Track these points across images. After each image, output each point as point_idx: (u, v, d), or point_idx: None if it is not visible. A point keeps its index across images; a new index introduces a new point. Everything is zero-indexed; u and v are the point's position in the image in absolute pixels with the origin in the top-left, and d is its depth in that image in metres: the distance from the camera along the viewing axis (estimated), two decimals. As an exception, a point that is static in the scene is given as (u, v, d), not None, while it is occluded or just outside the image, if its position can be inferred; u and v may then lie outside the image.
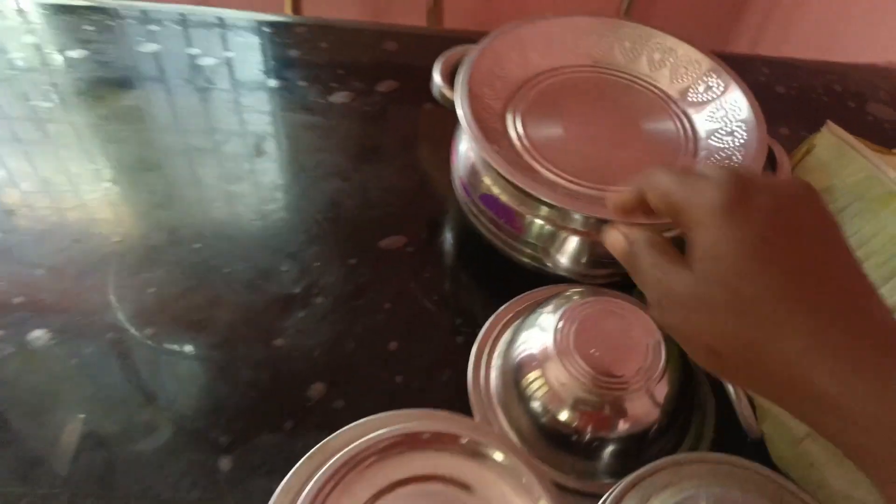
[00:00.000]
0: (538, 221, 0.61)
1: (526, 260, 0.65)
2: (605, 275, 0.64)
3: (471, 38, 0.72)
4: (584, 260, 0.63)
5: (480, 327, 0.63)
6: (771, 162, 0.66)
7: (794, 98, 0.94)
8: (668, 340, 0.54)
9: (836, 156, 0.68)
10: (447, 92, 0.68)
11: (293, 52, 0.93)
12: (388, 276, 0.69)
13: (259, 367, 0.62)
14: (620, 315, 0.55)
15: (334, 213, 0.74)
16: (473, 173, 0.65)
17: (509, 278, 0.68)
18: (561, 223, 0.61)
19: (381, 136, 0.83)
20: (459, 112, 0.63)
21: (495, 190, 0.63)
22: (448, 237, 0.73)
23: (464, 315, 0.67)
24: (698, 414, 0.56)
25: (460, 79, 0.66)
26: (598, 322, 0.54)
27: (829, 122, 0.72)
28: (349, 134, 0.83)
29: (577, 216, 0.59)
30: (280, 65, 0.91)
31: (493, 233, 0.66)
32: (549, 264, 0.64)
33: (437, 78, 0.69)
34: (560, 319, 0.55)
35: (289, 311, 0.66)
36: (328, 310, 0.66)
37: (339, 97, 0.87)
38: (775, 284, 0.32)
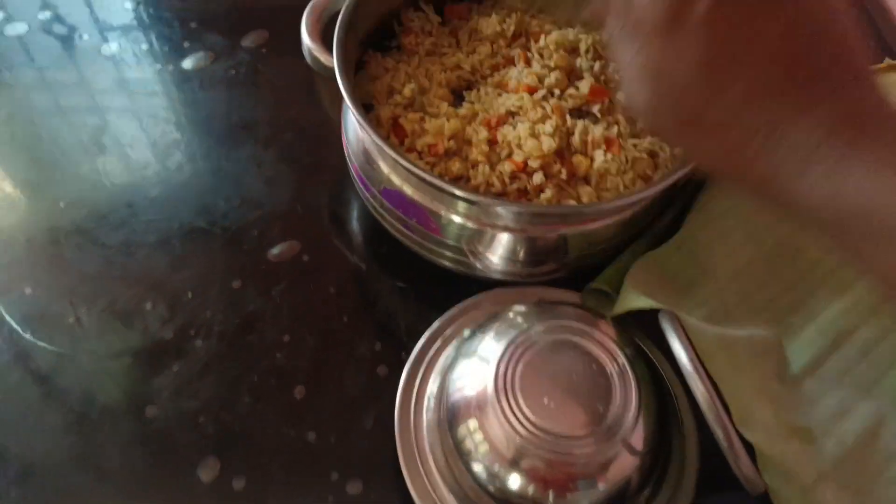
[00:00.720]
0: (457, 220, 0.48)
1: (448, 264, 0.52)
2: (548, 271, 0.52)
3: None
4: (520, 258, 0.50)
5: (407, 351, 0.50)
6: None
7: None
8: (635, 361, 0.43)
9: None
10: (322, 56, 0.52)
11: (130, 4, 0.73)
12: (283, 298, 0.55)
13: (129, 448, 0.48)
14: (576, 340, 0.43)
15: (206, 221, 0.59)
16: (369, 161, 0.51)
17: (436, 285, 0.55)
18: (486, 220, 0.47)
19: (254, 109, 0.66)
20: (341, 85, 0.47)
21: (396, 181, 0.49)
22: (353, 238, 0.59)
23: (384, 338, 0.54)
24: (677, 441, 0.46)
25: (338, 36, 0.50)
26: (551, 356, 0.43)
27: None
28: (213, 109, 0.66)
29: (504, 211, 0.46)
30: (115, 23, 0.71)
31: (403, 234, 0.52)
32: (478, 267, 0.51)
33: (306, 37, 0.52)
34: (502, 356, 0.43)
35: (160, 365, 0.52)
36: (212, 355, 0.52)
37: (194, 60, 0.69)
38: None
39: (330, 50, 0.50)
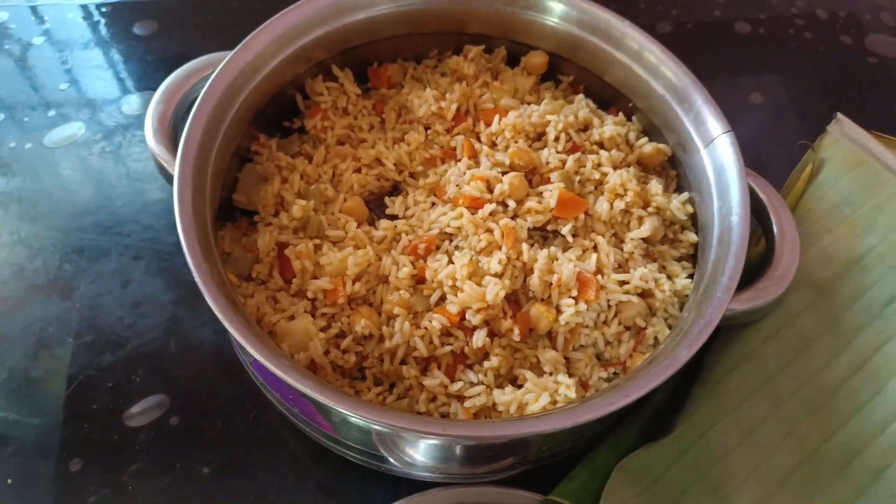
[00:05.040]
0: (356, 421, 0.32)
1: (356, 461, 0.37)
2: (501, 468, 0.36)
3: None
4: (457, 458, 0.35)
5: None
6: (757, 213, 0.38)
7: (764, 38, 0.64)
8: None
9: (857, 175, 0.40)
10: (168, 165, 0.36)
11: (-14, 59, 0.57)
12: (138, 484, 0.40)
13: None
14: None
15: (44, 368, 0.44)
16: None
17: (345, 475, 0.40)
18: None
19: (128, 202, 0.51)
20: (179, 225, 0.32)
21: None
22: (242, 396, 0.44)
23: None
24: None
25: (185, 145, 0.34)
26: None
27: (840, 117, 0.44)
28: (74, 202, 0.50)
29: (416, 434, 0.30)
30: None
31: (290, 419, 0.37)
32: (397, 465, 0.36)
33: (150, 138, 0.37)
34: None
35: None
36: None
37: (58, 134, 0.53)
38: None
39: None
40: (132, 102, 0.55)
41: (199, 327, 0.46)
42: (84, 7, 0.60)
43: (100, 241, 0.48)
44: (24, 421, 0.42)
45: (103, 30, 0.59)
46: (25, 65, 0.57)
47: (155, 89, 0.55)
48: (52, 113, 0.54)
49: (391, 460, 0.36)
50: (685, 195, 0.41)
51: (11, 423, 0.42)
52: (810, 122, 0.58)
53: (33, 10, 0.60)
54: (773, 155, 0.55)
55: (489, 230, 0.37)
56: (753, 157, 0.52)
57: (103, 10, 0.60)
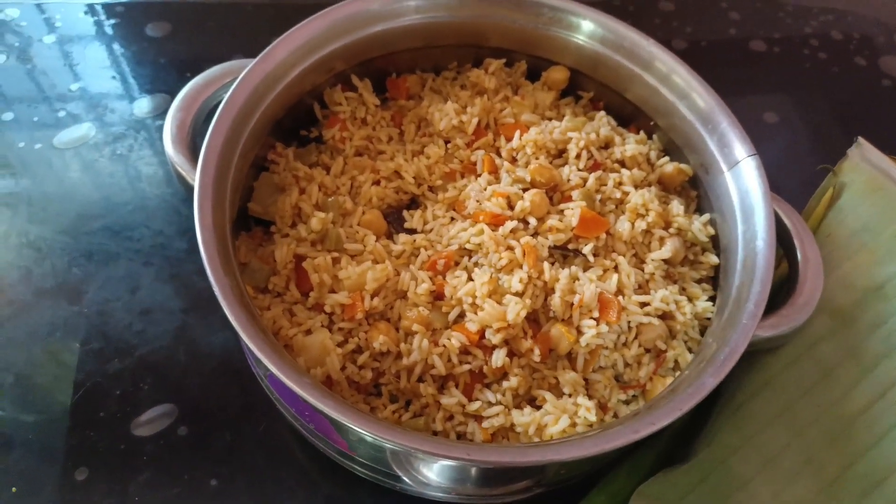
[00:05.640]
0: (369, 439, 0.32)
1: (366, 479, 0.36)
2: (518, 490, 0.36)
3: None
4: (473, 480, 0.34)
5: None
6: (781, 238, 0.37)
7: (779, 58, 0.64)
8: None
9: (876, 200, 0.40)
10: (187, 174, 0.36)
11: (-4, 55, 0.57)
12: (145, 496, 0.40)
13: None
14: None
15: (51, 374, 0.43)
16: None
17: (355, 491, 0.39)
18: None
19: (138, 206, 0.50)
20: (200, 241, 0.32)
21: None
22: (252, 406, 0.43)
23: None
24: None
25: (206, 156, 0.34)
26: None
27: (860, 141, 0.43)
28: (83, 204, 0.50)
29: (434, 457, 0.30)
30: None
31: (304, 434, 0.36)
32: (411, 485, 0.35)
33: (169, 146, 0.36)
34: None
35: None
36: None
37: (68, 135, 0.53)
38: None
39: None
40: (143, 105, 0.54)
41: (208, 336, 0.45)
42: (96, 7, 0.60)
43: (109, 245, 0.48)
44: (29, 427, 0.41)
45: (115, 30, 0.58)
46: (35, 64, 0.56)
47: (167, 92, 0.55)
48: (62, 113, 0.54)
49: (405, 479, 0.35)
50: (706, 217, 0.40)
51: (17, 430, 0.41)
52: (824, 143, 0.58)
53: (44, 8, 0.59)
54: (786, 175, 0.54)
55: (510, 248, 0.37)
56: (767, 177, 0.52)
57: (116, 10, 0.60)
